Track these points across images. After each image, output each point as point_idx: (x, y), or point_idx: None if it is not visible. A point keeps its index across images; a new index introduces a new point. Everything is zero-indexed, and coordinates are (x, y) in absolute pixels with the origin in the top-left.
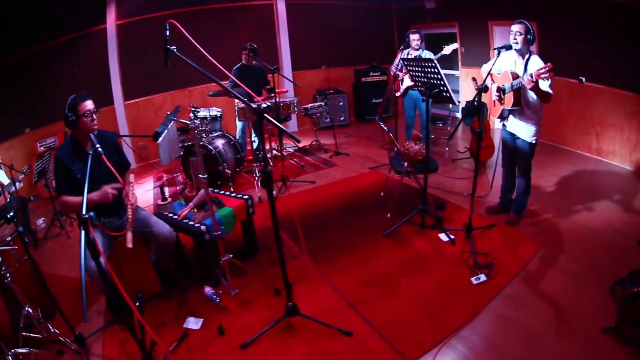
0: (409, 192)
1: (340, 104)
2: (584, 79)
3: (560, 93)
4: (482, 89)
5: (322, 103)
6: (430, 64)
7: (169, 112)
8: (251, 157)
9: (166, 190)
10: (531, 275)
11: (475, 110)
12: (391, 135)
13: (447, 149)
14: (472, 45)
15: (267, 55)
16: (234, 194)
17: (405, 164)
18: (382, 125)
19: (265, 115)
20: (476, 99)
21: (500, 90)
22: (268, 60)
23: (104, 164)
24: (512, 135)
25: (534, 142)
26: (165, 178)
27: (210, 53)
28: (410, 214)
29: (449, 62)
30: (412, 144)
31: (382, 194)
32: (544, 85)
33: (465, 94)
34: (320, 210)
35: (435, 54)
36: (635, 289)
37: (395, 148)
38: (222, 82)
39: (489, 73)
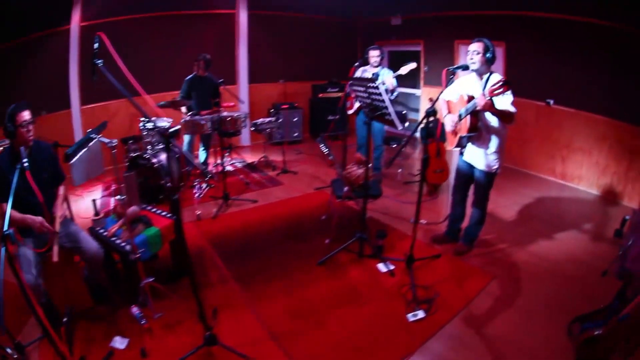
0: (353, 216)
1: (295, 119)
2: (552, 102)
3: (525, 115)
4: (430, 112)
5: (273, 118)
6: (372, 85)
7: (89, 129)
8: (198, 171)
9: (111, 200)
10: (476, 312)
11: (431, 133)
12: (331, 158)
13: (400, 170)
14: (436, 64)
15: (225, 67)
16: (164, 213)
17: (346, 188)
18: (322, 148)
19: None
20: (429, 122)
21: (457, 117)
22: (226, 72)
23: (35, 176)
24: (469, 164)
25: (494, 172)
26: (113, 188)
27: (172, 60)
28: (348, 242)
29: (413, 80)
30: (354, 168)
31: (323, 217)
32: (503, 103)
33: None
34: (257, 231)
35: (394, 73)
36: (595, 331)
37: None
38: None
39: (436, 99)
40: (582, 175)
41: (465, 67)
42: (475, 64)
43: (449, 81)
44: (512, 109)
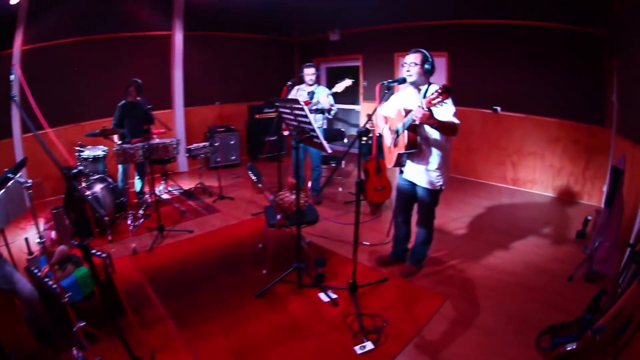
0: (290, 242)
1: (232, 142)
2: (499, 109)
3: (471, 124)
4: (362, 132)
5: (207, 143)
6: (297, 106)
7: (6, 169)
8: (136, 201)
9: (52, 234)
10: (431, 337)
11: (368, 150)
12: (260, 186)
13: (340, 190)
14: (376, 78)
15: (161, 91)
16: (93, 251)
17: (279, 216)
18: (251, 175)
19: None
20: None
21: (394, 133)
22: (162, 96)
23: None
24: (411, 183)
25: (438, 189)
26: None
27: (108, 84)
28: (285, 272)
29: (352, 96)
30: (286, 193)
31: (260, 245)
32: (444, 114)
33: None
34: (194, 264)
35: (330, 90)
36: (567, 346)
37: (269, 198)
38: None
39: (372, 113)
40: (536, 179)
41: (403, 80)
42: (412, 76)
43: (384, 96)
44: (454, 120)
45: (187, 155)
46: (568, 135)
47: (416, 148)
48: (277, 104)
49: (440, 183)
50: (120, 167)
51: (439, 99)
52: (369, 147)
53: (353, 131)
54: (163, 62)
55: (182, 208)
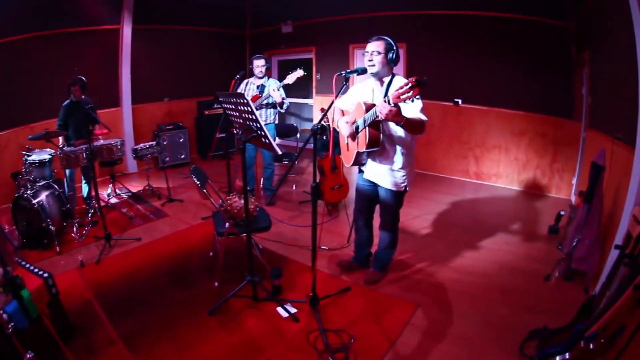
0: (243, 250)
1: (181, 140)
2: (460, 101)
3: (431, 117)
4: (316, 130)
5: (153, 143)
6: (241, 101)
7: None
8: (84, 206)
9: None
10: (405, 351)
11: (324, 147)
12: (205, 191)
13: (294, 188)
14: (330, 70)
15: (109, 88)
16: (35, 269)
17: (227, 224)
18: (194, 179)
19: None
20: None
21: (353, 129)
22: (110, 94)
23: None
24: (372, 183)
25: (402, 190)
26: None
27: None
28: (238, 286)
29: (305, 89)
30: (235, 198)
31: (211, 254)
32: (411, 110)
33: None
34: (143, 277)
35: (281, 83)
36: (557, 357)
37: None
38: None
39: (327, 109)
40: (501, 173)
41: (363, 71)
42: (375, 66)
43: (341, 88)
44: (422, 116)
45: (134, 156)
46: (534, 128)
47: (378, 146)
48: (220, 98)
49: (405, 184)
50: (66, 171)
51: (408, 94)
52: (326, 144)
53: (306, 125)
54: (111, 58)
55: (129, 213)
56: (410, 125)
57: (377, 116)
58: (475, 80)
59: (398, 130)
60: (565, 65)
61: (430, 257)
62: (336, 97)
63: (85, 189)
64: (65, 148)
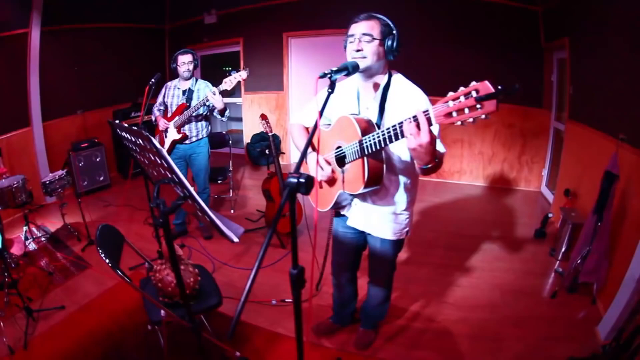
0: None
1: (98, 159)
2: None
3: None
4: (294, 186)
5: (63, 173)
6: (149, 147)
7: None
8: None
9: None
10: None
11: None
12: (119, 273)
13: (232, 212)
14: (260, 64)
15: (15, 106)
16: None
17: (163, 312)
18: (102, 256)
19: None
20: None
21: (334, 159)
22: (15, 113)
23: None
24: (360, 232)
25: (403, 237)
26: None
27: None
28: None
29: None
30: (164, 267)
31: (149, 327)
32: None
33: (250, 126)
34: None
35: (215, 86)
36: None
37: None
38: None
39: (312, 134)
40: (464, 169)
41: (355, 68)
42: (366, 58)
43: (327, 98)
44: (442, 148)
45: (44, 191)
46: (500, 119)
47: (380, 184)
48: (117, 129)
49: (408, 228)
50: None
51: (474, 112)
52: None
53: (235, 126)
54: (17, 69)
55: (49, 268)
56: (437, 166)
57: (386, 143)
58: (432, 66)
59: (402, 154)
60: (535, 51)
61: (422, 293)
62: (321, 112)
63: None
64: None
